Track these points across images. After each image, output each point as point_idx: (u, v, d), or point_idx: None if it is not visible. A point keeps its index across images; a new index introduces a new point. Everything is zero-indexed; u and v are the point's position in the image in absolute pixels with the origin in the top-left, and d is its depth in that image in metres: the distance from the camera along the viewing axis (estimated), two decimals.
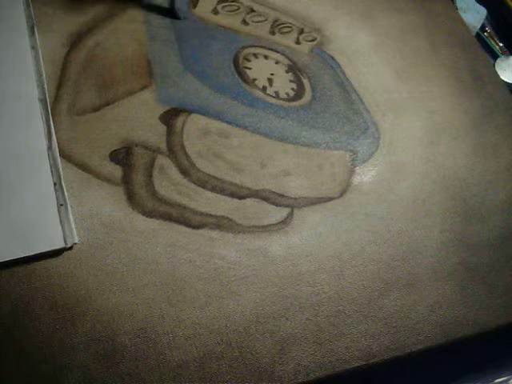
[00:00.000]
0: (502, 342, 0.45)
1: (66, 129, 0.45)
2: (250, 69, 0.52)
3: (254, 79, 0.51)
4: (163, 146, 0.45)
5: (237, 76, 0.51)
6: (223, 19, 0.55)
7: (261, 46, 0.54)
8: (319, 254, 0.43)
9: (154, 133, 0.46)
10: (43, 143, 0.43)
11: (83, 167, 0.43)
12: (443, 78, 0.55)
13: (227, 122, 0.48)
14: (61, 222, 0.40)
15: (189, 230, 0.42)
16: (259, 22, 0.56)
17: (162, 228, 0.41)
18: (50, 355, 0.35)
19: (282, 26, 0.56)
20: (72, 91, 0.47)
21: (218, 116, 0.48)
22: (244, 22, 0.55)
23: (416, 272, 0.43)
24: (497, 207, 0.48)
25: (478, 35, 0.65)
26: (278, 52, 0.54)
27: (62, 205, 0.40)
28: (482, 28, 0.67)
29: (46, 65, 0.47)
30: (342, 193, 0.46)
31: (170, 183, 0.44)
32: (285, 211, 0.44)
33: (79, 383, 0.35)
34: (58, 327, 0.36)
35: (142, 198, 0.42)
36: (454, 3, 0.65)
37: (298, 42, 0.55)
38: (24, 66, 0.46)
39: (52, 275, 0.38)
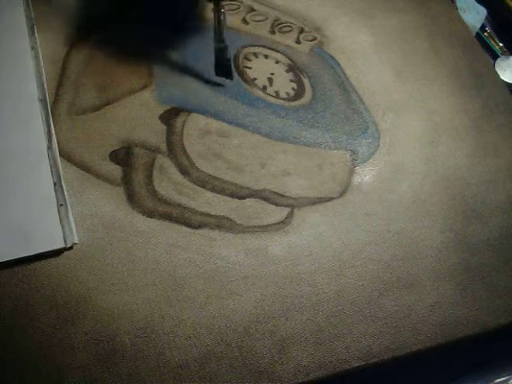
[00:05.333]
0: (502, 342, 0.45)
1: (66, 129, 0.45)
2: (250, 68, 0.52)
3: (254, 79, 0.51)
4: (163, 146, 0.45)
5: (237, 75, 0.51)
6: None
7: (261, 46, 0.54)
8: (319, 253, 0.43)
9: (153, 132, 0.46)
10: (43, 143, 0.43)
11: (83, 167, 0.43)
12: (443, 77, 0.55)
13: (227, 121, 0.48)
14: (61, 221, 0.40)
15: (189, 229, 0.42)
16: (259, 21, 0.56)
17: (162, 228, 0.41)
18: (50, 355, 0.35)
19: (282, 25, 0.56)
20: (72, 91, 0.47)
21: (218, 115, 0.48)
22: (244, 21, 0.55)
23: (416, 272, 0.43)
24: (497, 207, 0.48)
25: (478, 35, 0.65)
26: (278, 51, 0.54)
27: (62, 205, 0.40)
28: (482, 28, 0.67)
29: (46, 65, 0.47)
30: (342, 193, 0.46)
31: (169, 183, 0.44)
32: (285, 211, 0.44)
33: (79, 383, 0.35)
34: (57, 327, 0.36)
35: (142, 197, 0.42)
36: (453, 3, 0.65)
37: (298, 42, 0.55)
38: (24, 66, 0.46)
39: (52, 275, 0.38)
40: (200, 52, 0.51)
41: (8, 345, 0.35)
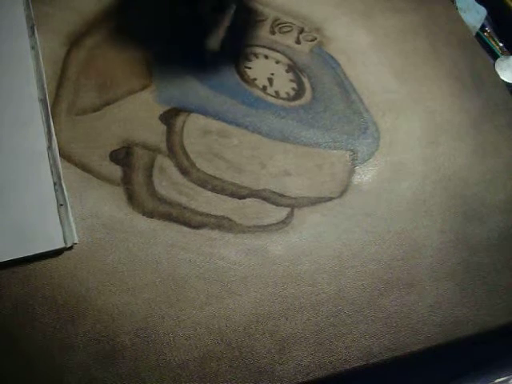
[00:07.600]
0: (502, 342, 0.45)
1: (66, 129, 0.45)
2: (250, 68, 0.52)
3: (254, 79, 0.51)
4: (163, 146, 0.45)
5: (237, 75, 0.51)
6: None
7: (261, 46, 0.54)
8: (319, 253, 0.43)
9: (153, 133, 0.46)
10: (43, 143, 0.43)
11: (83, 167, 0.43)
12: (443, 77, 0.55)
13: (227, 121, 0.48)
14: (61, 221, 0.40)
15: (189, 229, 0.42)
16: (259, 21, 0.56)
17: (162, 228, 0.41)
18: (50, 355, 0.35)
19: (282, 25, 0.56)
20: (72, 91, 0.47)
21: (217, 116, 0.48)
22: None
23: (416, 272, 0.43)
24: (497, 207, 0.48)
25: (477, 35, 0.65)
26: (278, 51, 0.54)
27: (61, 205, 0.40)
28: (482, 28, 0.67)
29: (46, 65, 0.47)
30: (342, 193, 0.46)
31: (169, 183, 0.44)
32: (285, 211, 0.44)
33: (79, 383, 0.35)
34: (57, 327, 0.36)
35: (142, 197, 0.42)
36: (453, 3, 0.65)
37: (298, 42, 0.55)
38: (24, 66, 0.46)
39: (52, 275, 0.38)
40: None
41: (8, 345, 0.35)
